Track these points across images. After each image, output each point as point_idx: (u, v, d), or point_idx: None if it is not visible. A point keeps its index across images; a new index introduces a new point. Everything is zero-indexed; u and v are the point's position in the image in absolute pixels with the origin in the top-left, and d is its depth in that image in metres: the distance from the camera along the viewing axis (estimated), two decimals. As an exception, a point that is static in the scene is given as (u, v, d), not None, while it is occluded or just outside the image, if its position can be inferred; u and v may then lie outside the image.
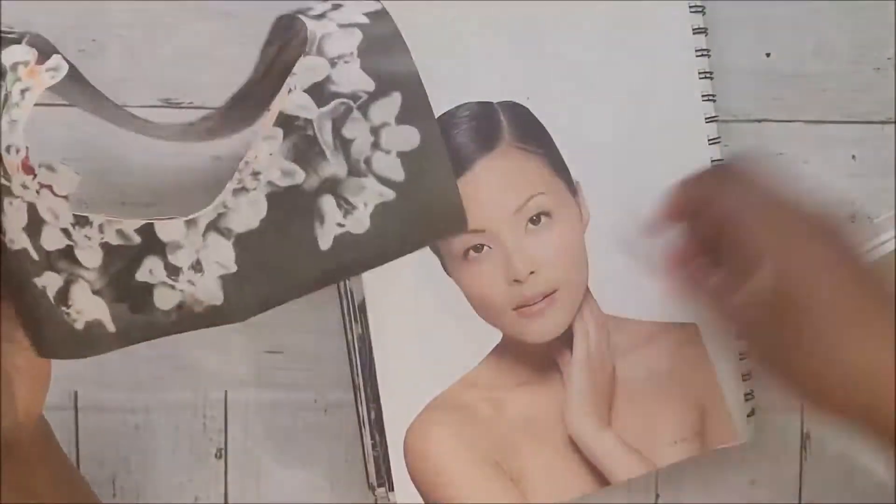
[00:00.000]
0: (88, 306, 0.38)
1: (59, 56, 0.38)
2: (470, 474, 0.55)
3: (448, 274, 0.55)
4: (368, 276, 0.54)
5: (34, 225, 0.37)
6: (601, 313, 0.56)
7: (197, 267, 0.38)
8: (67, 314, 0.38)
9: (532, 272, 0.54)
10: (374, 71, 0.38)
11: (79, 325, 0.38)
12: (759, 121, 0.57)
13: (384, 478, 0.55)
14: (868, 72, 0.58)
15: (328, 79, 0.37)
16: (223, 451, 0.58)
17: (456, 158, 0.51)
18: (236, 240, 0.38)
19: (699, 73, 0.57)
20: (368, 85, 0.38)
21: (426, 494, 0.55)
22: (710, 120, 0.56)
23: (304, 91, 0.37)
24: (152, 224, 0.37)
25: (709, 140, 0.57)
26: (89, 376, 0.58)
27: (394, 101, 0.38)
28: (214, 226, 0.38)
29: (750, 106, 0.57)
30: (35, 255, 0.37)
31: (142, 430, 0.58)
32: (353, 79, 0.37)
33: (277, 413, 0.58)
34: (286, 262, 0.38)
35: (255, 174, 0.37)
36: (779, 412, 0.57)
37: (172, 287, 0.38)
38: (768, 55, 0.57)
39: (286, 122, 0.37)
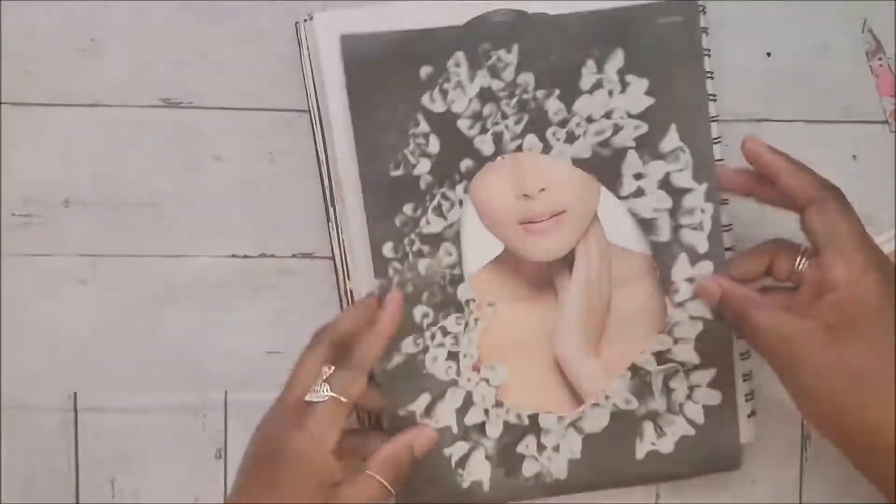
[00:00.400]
0: (477, 469, 0.55)
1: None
2: None
3: None
4: (368, 276, 0.54)
5: (465, 406, 0.54)
6: (606, 241, 0.55)
7: (556, 448, 0.55)
8: (460, 475, 0.55)
9: (543, 189, 0.54)
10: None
11: (465, 484, 0.55)
12: (759, 121, 0.57)
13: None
14: (868, 72, 0.57)
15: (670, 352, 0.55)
16: (223, 451, 0.58)
17: None
18: (585, 437, 0.55)
19: (699, 73, 0.56)
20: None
21: None
22: (710, 120, 0.56)
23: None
24: (538, 414, 0.55)
25: (709, 140, 0.57)
26: (89, 377, 0.58)
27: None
28: (574, 424, 0.55)
29: (750, 106, 0.57)
30: (455, 430, 0.54)
31: (142, 430, 0.58)
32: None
33: (277, 413, 0.58)
34: (612, 461, 0.55)
35: (608, 397, 0.55)
36: (779, 412, 0.56)
37: (536, 460, 0.55)
38: (768, 55, 0.57)
39: (636, 374, 0.55)
